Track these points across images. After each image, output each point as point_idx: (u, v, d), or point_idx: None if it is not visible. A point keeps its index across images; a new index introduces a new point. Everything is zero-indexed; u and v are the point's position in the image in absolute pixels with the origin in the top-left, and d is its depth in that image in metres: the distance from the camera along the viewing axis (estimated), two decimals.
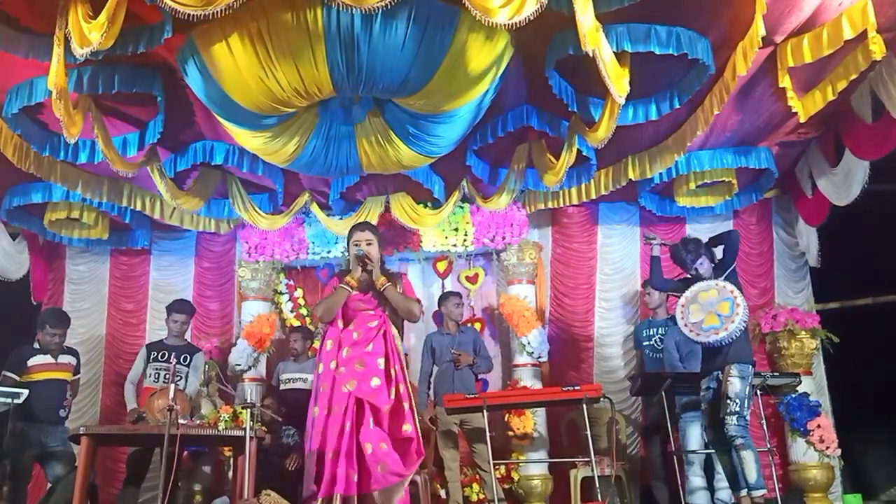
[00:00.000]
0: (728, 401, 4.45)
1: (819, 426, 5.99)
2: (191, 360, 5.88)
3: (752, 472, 4.36)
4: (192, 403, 5.41)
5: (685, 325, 4.66)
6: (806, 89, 5.00)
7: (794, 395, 5.98)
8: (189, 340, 6.32)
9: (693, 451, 5.28)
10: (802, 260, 7.01)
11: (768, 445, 4.93)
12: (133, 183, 6.17)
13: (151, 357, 5.82)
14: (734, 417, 4.43)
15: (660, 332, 5.93)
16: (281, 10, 3.95)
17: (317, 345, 5.67)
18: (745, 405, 4.48)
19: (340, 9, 3.74)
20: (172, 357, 5.49)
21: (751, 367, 4.59)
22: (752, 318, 6.38)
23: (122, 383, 5.92)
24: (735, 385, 4.47)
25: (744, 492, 4.44)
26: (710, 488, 5.42)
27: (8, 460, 5.18)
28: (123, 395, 5.82)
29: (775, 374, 5.71)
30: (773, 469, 4.78)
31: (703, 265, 4.79)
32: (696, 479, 5.30)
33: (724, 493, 5.15)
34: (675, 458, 5.27)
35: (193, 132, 5.59)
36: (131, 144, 5.34)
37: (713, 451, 4.86)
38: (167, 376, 5.49)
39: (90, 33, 3.70)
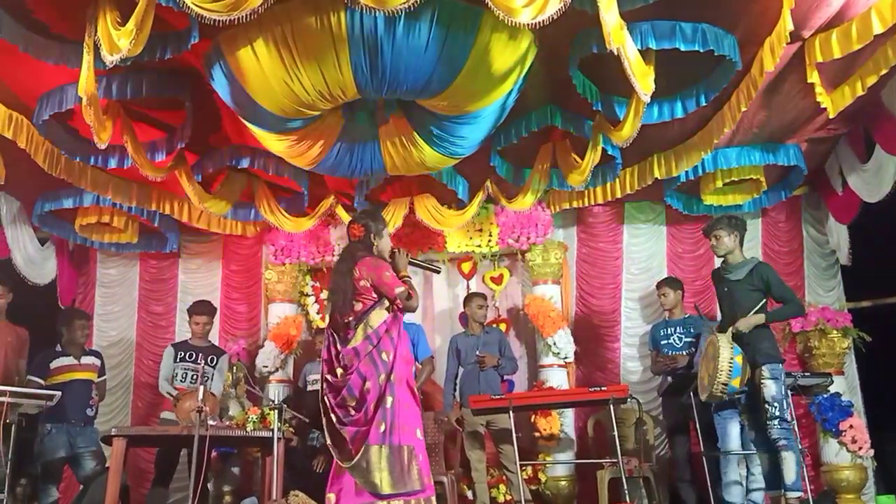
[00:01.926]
0: (766, 405, 4.41)
1: (851, 426, 5.89)
2: (217, 361, 5.94)
3: (790, 474, 4.33)
4: (219, 405, 5.47)
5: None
6: (835, 85, 4.93)
7: (825, 396, 5.89)
8: (213, 342, 6.38)
9: (729, 452, 5.20)
10: (833, 258, 6.90)
11: (800, 446, 4.85)
12: (161, 187, 6.24)
13: (178, 357, 5.85)
14: (776, 421, 4.39)
15: (678, 330, 5.87)
16: (305, 14, 3.97)
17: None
18: (785, 406, 4.44)
19: (364, 11, 3.76)
20: (200, 358, 5.55)
21: (781, 364, 4.55)
22: None
23: (152, 385, 6.01)
24: (770, 388, 4.43)
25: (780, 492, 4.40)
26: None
27: (39, 462, 5.28)
28: (158, 393, 5.89)
29: (806, 374, 5.64)
30: (805, 470, 4.71)
31: (722, 240, 4.78)
32: (733, 474, 5.16)
33: (757, 494, 5.07)
34: (703, 458, 5.21)
35: (220, 136, 5.65)
36: (160, 149, 5.40)
37: (754, 452, 4.81)
38: (195, 377, 5.56)
39: (119, 40, 3.75)
